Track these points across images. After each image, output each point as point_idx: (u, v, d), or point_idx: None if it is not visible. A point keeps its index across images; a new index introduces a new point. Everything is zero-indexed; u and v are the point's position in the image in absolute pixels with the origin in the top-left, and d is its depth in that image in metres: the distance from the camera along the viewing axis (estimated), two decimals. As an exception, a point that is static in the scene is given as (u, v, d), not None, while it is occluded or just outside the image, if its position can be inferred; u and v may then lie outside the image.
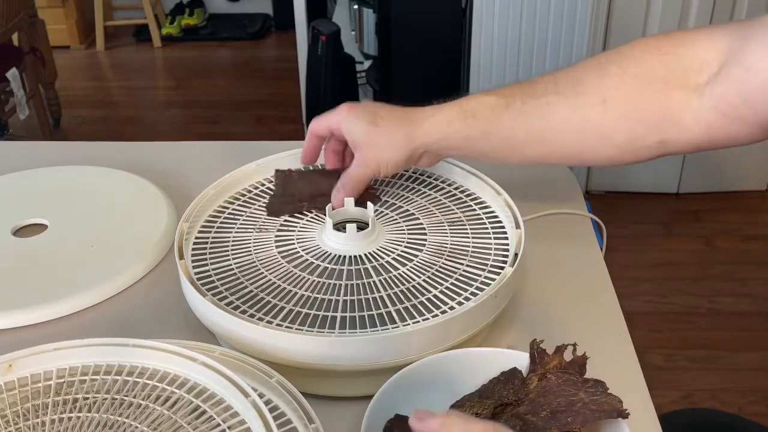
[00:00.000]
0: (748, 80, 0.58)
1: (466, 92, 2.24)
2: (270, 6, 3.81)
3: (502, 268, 0.65)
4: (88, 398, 0.52)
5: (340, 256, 0.68)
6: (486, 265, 0.66)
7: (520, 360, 0.58)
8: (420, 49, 2.20)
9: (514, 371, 0.57)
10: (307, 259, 0.68)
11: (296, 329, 0.59)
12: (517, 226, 0.69)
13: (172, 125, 2.97)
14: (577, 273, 0.74)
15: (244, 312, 0.62)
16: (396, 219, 0.73)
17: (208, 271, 0.67)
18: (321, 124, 0.72)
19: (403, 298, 0.63)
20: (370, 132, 0.69)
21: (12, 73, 2.41)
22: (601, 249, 0.79)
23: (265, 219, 0.74)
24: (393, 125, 0.69)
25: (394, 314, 0.61)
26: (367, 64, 2.45)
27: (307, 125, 2.69)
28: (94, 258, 0.77)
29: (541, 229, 0.78)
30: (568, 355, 0.57)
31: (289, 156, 0.81)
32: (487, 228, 0.71)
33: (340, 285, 0.64)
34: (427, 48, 2.20)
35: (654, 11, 2.11)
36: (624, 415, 0.51)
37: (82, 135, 2.87)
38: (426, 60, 2.22)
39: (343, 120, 0.70)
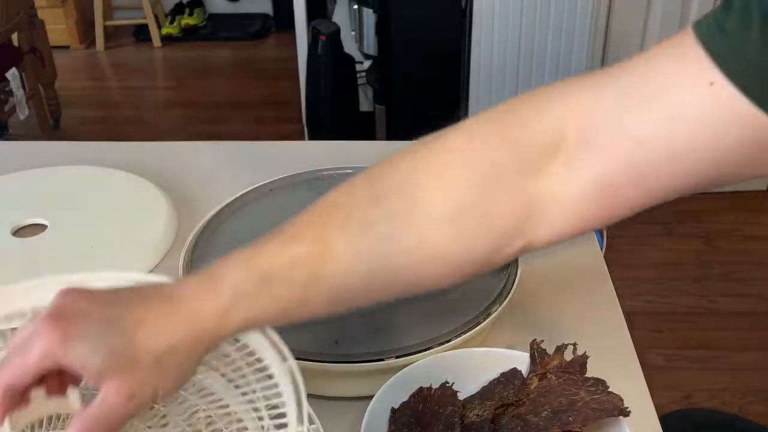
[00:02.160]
0: (640, 155, 0.44)
1: (466, 92, 2.24)
2: (270, 6, 3.81)
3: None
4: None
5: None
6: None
7: (521, 360, 0.58)
8: (420, 49, 2.20)
9: (515, 371, 0.57)
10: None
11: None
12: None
13: (172, 125, 2.97)
14: (577, 273, 0.74)
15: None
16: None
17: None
18: (21, 374, 0.42)
19: None
20: (120, 354, 0.42)
21: (12, 73, 2.41)
22: (601, 249, 0.78)
23: None
24: (157, 333, 0.43)
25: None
26: (367, 64, 2.45)
27: (308, 125, 2.67)
28: (94, 258, 0.77)
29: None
30: (568, 355, 0.57)
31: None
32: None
33: None
34: (427, 48, 2.20)
35: (654, 10, 2.11)
36: (625, 413, 0.51)
37: (82, 135, 2.87)
38: (426, 60, 2.22)
39: (58, 349, 0.42)
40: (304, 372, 0.58)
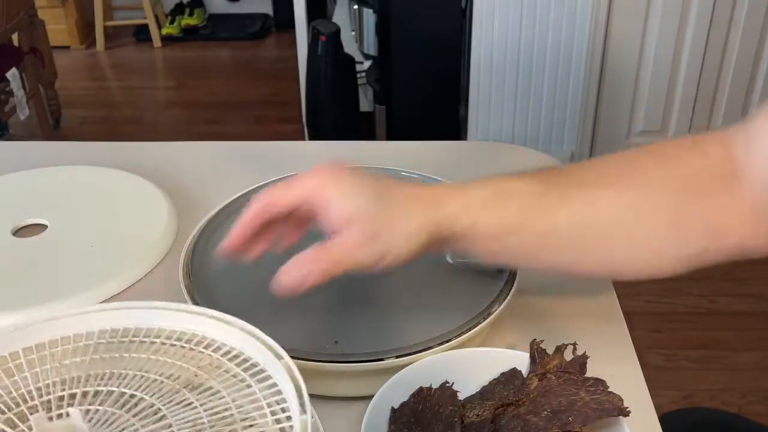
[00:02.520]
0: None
1: (466, 92, 2.24)
2: (270, 6, 3.81)
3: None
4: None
5: None
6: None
7: (521, 360, 0.58)
8: (420, 49, 2.20)
9: (515, 371, 0.57)
10: None
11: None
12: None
13: (172, 125, 2.98)
14: (577, 273, 0.74)
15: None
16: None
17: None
18: (283, 196, 0.53)
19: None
20: (372, 207, 0.51)
21: (12, 73, 2.41)
22: (601, 249, 0.78)
23: None
24: (406, 204, 0.53)
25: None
26: (367, 64, 2.45)
27: (308, 125, 2.67)
28: (94, 258, 0.77)
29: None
30: (568, 355, 0.57)
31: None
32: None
33: None
34: (427, 48, 2.20)
35: (654, 10, 2.11)
36: (625, 413, 0.51)
37: (82, 135, 2.87)
38: (426, 60, 2.22)
39: (326, 186, 0.52)
40: (304, 372, 0.58)
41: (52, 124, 2.81)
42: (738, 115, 2.27)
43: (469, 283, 0.66)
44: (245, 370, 0.49)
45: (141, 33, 3.71)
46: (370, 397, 0.54)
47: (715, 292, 1.97)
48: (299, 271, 0.51)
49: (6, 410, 0.47)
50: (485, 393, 0.56)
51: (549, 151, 2.21)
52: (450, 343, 0.60)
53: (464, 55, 2.22)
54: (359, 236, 0.51)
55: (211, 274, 0.68)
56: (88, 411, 0.46)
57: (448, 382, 0.56)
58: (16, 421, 0.46)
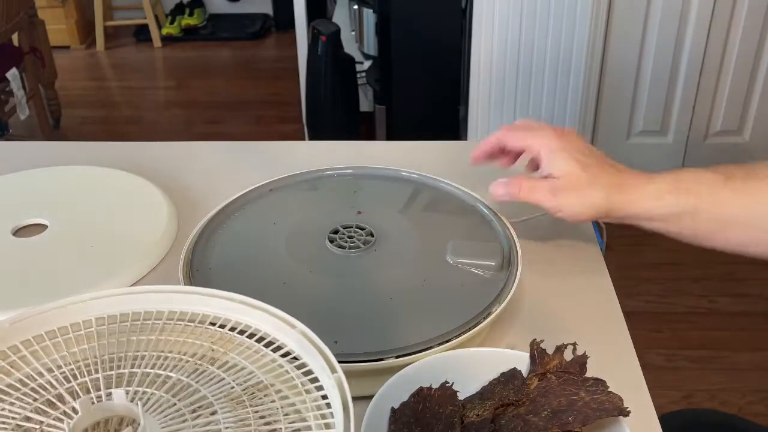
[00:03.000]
0: None
1: (466, 92, 2.24)
2: (270, 6, 3.81)
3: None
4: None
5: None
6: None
7: (521, 360, 0.58)
8: (420, 49, 2.20)
9: (514, 371, 0.57)
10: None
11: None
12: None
13: (172, 125, 2.98)
14: (577, 273, 0.74)
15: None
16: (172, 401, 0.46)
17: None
18: (518, 141, 0.71)
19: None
20: (573, 175, 0.66)
21: (12, 73, 2.41)
22: (601, 249, 0.78)
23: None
24: (599, 181, 0.66)
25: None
26: (367, 64, 2.45)
27: (307, 125, 2.67)
28: (94, 258, 0.77)
29: (541, 229, 0.78)
30: (568, 355, 0.57)
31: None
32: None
33: None
34: (427, 48, 2.20)
35: (654, 9, 2.11)
36: (625, 413, 0.51)
37: (82, 135, 2.87)
38: (426, 60, 2.22)
39: (551, 150, 0.67)
40: None
41: (52, 124, 2.81)
42: (738, 115, 2.27)
43: (469, 283, 0.66)
44: (258, 341, 0.50)
45: (141, 33, 3.71)
46: (370, 397, 0.54)
47: (715, 292, 1.97)
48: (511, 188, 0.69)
49: (36, 396, 0.46)
50: (485, 393, 0.56)
51: (549, 151, 2.20)
52: (450, 343, 0.60)
53: (464, 55, 2.22)
54: (552, 189, 0.67)
55: (212, 274, 0.68)
56: (127, 392, 0.45)
57: (448, 382, 0.56)
58: (57, 402, 0.46)
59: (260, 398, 0.46)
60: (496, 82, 2.20)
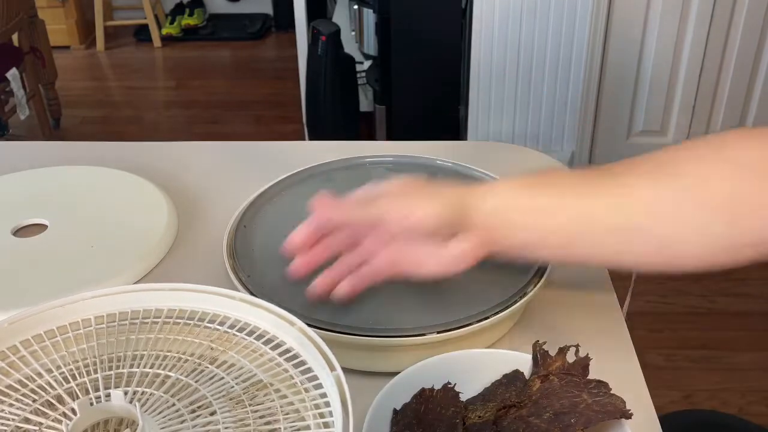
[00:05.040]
0: None
1: (466, 92, 2.24)
2: (270, 6, 3.81)
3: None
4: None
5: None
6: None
7: (523, 362, 0.58)
8: (420, 49, 2.20)
9: (517, 373, 0.57)
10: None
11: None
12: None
13: (172, 125, 2.97)
14: (577, 273, 0.74)
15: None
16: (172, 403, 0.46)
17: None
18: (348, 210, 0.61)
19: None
20: (411, 182, 0.60)
21: (12, 73, 2.41)
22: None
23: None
24: (443, 186, 0.60)
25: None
26: (367, 64, 2.45)
27: (308, 125, 2.66)
28: (94, 258, 0.77)
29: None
30: (570, 357, 0.57)
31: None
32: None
33: None
34: (427, 48, 2.20)
35: (654, 9, 2.11)
36: (627, 415, 0.51)
37: (82, 135, 2.87)
38: (426, 60, 2.22)
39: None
40: (348, 347, 0.59)
41: (52, 124, 2.81)
42: (738, 115, 2.27)
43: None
44: (257, 338, 0.50)
45: (141, 33, 3.71)
46: (394, 374, 0.55)
47: (715, 292, 1.97)
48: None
49: (35, 396, 0.46)
50: (487, 394, 0.56)
51: (549, 151, 2.20)
52: (488, 320, 0.60)
53: (464, 55, 2.22)
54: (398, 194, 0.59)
55: (254, 255, 0.70)
56: (125, 393, 0.45)
57: (450, 384, 0.56)
58: (56, 403, 0.46)
59: (260, 398, 0.46)
60: (496, 82, 2.20)
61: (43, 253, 0.78)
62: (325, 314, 0.60)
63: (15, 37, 2.56)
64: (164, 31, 3.69)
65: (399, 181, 0.60)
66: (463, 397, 0.56)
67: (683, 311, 1.93)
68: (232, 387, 0.47)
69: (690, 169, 0.54)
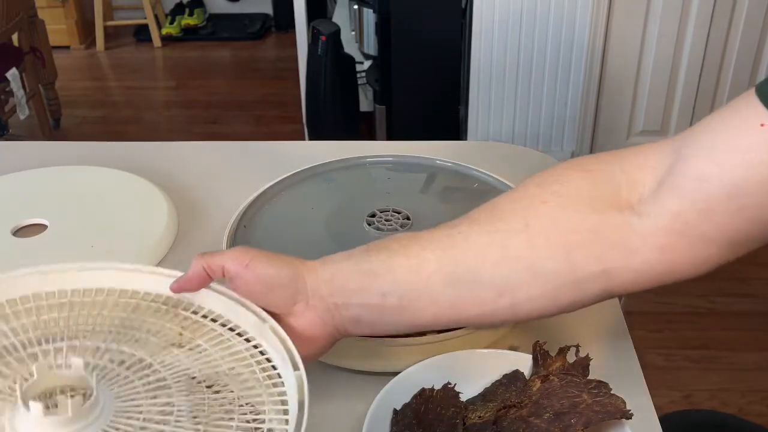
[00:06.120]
0: (703, 191, 0.48)
1: (466, 92, 2.24)
2: (270, 6, 3.81)
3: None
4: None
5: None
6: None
7: (523, 362, 0.58)
8: (420, 49, 2.20)
9: (517, 373, 0.57)
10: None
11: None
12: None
13: (172, 125, 2.97)
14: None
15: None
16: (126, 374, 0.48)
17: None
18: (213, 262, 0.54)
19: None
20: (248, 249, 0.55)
21: (12, 73, 2.41)
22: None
23: None
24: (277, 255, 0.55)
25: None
26: (367, 64, 2.45)
27: (307, 125, 2.67)
28: (94, 258, 0.77)
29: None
30: (570, 357, 0.57)
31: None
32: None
33: None
34: (427, 48, 2.20)
35: (654, 9, 2.11)
36: (627, 415, 0.51)
37: (82, 135, 2.87)
38: (426, 60, 2.22)
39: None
40: (349, 348, 0.59)
41: (52, 124, 2.81)
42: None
43: None
44: (228, 331, 0.52)
45: (141, 33, 3.71)
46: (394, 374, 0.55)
47: (715, 292, 1.97)
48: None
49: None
50: (487, 394, 0.56)
51: (549, 151, 2.21)
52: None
53: (464, 54, 2.22)
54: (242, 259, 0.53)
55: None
56: (86, 364, 0.46)
57: (450, 384, 0.56)
58: (16, 364, 0.46)
59: (219, 388, 0.47)
60: (496, 81, 2.20)
61: (43, 253, 0.78)
62: None
63: (15, 37, 2.56)
64: (164, 31, 3.69)
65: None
66: (463, 397, 0.56)
67: (683, 311, 1.92)
68: (194, 374, 0.47)
69: (519, 210, 0.53)
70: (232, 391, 0.46)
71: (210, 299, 0.53)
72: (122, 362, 0.48)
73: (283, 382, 0.47)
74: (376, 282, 0.53)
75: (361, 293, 0.53)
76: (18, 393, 0.42)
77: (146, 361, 0.48)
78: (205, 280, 0.53)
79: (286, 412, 0.45)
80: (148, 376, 0.47)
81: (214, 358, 0.49)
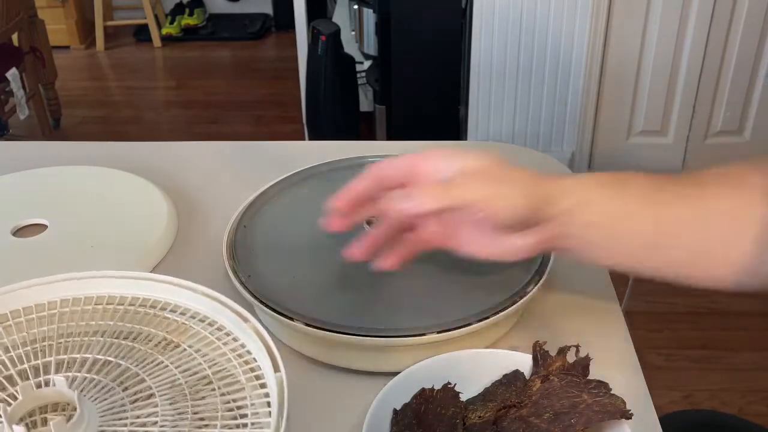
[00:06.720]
0: None
1: (466, 92, 2.24)
2: (270, 6, 3.81)
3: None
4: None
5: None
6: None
7: (523, 361, 0.58)
8: (420, 49, 2.20)
9: (517, 373, 0.57)
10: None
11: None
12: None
13: (172, 125, 2.97)
14: (578, 274, 0.74)
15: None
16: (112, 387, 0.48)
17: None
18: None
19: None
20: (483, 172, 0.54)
21: (12, 73, 2.41)
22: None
23: None
24: (520, 171, 0.54)
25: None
26: (367, 64, 2.45)
27: (307, 125, 2.66)
28: (94, 258, 0.77)
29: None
30: (570, 357, 0.57)
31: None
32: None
33: None
34: (427, 48, 2.20)
35: (654, 9, 2.11)
36: (627, 416, 0.51)
37: (82, 135, 2.87)
38: (426, 60, 2.22)
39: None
40: (348, 347, 0.59)
41: (52, 124, 2.81)
42: (738, 116, 2.27)
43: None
44: (212, 333, 0.51)
45: (141, 33, 3.71)
46: (393, 373, 0.55)
47: (715, 292, 1.96)
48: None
49: None
50: (487, 394, 0.56)
51: (549, 151, 2.21)
52: (488, 320, 0.60)
53: (464, 54, 2.22)
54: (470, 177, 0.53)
55: (257, 253, 0.70)
56: (72, 379, 0.46)
57: (450, 384, 0.56)
58: (6, 383, 0.46)
59: (203, 393, 0.47)
60: (496, 82, 2.20)
61: (43, 253, 0.78)
62: (325, 315, 0.60)
63: (15, 37, 2.56)
64: (164, 31, 3.69)
65: (474, 159, 0.54)
66: (463, 397, 0.56)
67: (683, 311, 1.92)
68: (178, 380, 0.47)
69: (757, 180, 0.51)
70: (215, 396, 0.47)
71: (194, 301, 0.53)
72: (108, 373, 0.48)
73: (266, 383, 0.47)
74: (623, 225, 0.53)
75: (601, 231, 0.53)
76: (3, 417, 0.42)
77: (132, 370, 0.48)
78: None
79: (268, 414, 0.45)
80: (135, 385, 0.47)
81: (199, 363, 0.49)
